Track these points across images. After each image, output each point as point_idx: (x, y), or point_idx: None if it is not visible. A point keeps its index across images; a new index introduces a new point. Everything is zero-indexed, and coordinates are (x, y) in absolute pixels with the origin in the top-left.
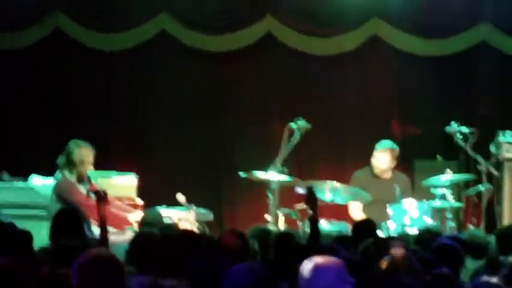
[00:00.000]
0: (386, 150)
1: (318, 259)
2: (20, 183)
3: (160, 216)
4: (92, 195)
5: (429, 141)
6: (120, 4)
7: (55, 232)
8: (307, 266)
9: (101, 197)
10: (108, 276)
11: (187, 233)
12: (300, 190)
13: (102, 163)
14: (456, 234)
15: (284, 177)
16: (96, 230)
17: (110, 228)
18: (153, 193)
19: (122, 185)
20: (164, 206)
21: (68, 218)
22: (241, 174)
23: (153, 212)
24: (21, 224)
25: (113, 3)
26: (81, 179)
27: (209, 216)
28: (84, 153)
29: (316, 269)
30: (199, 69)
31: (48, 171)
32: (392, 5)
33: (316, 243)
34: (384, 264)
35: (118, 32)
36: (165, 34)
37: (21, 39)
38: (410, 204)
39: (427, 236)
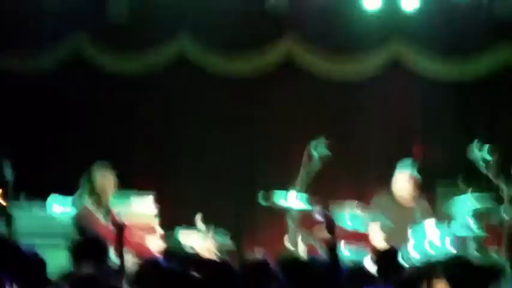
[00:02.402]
0: (409, 177)
1: None
2: (39, 211)
3: (181, 245)
4: (112, 227)
5: (451, 166)
6: (140, 26)
7: (77, 260)
8: None
9: (120, 228)
10: None
11: (212, 263)
12: (319, 216)
13: (122, 183)
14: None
15: (303, 203)
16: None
17: (130, 256)
18: (172, 214)
19: (142, 213)
20: (183, 227)
21: (90, 246)
22: (261, 201)
23: (174, 241)
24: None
25: (133, 26)
26: (102, 207)
27: (228, 241)
28: (106, 182)
29: None
30: (220, 92)
31: (66, 192)
32: (413, 27)
33: (336, 270)
34: None
35: (138, 55)
36: (185, 58)
37: (42, 62)
38: (431, 230)
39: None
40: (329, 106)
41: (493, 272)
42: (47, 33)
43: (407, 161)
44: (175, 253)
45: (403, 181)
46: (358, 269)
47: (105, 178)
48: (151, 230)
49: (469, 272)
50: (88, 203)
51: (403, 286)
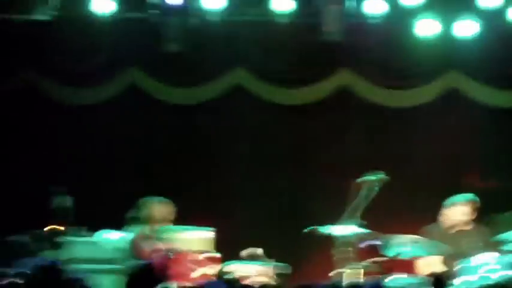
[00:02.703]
0: (467, 201)
1: None
2: (89, 238)
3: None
4: (156, 256)
5: (506, 194)
6: (195, 59)
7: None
8: None
9: (166, 257)
10: None
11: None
12: (366, 244)
13: (180, 218)
14: None
15: (351, 231)
16: None
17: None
18: (231, 247)
19: (199, 239)
20: (245, 260)
21: (144, 274)
22: (305, 230)
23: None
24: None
25: (190, 58)
26: (153, 236)
27: (287, 269)
28: (158, 209)
29: None
30: (275, 122)
31: (119, 226)
32: (469, 56)
33: None
34: None
35: (194, 87)
36: (241, 88)
37: (98, 94)
38: (487, 258)
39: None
40: (385, 136)
41: None
42: (105, 66)
43: (462, 195)
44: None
45: (461, 206)
46: None
47: (156, 205)
48: (207, 259)
49: None
50: (139, 230)
51: None
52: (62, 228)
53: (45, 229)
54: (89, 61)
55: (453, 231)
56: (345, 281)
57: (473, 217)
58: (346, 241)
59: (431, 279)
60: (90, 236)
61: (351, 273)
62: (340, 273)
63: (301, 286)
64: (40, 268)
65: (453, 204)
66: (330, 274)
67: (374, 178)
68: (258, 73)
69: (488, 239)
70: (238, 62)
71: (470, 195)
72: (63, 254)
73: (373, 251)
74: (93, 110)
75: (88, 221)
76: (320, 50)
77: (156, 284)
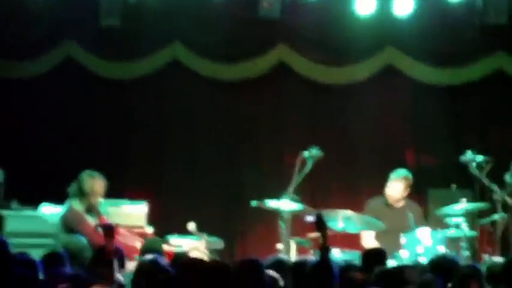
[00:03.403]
0: (400, 179)
1: None
2: (28, 212)
3: (160, 244)
4: (100, 229)
5: (444, 170)
6: (132, 33)
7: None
8: None
9: (109, 230)
10: None
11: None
12: (310, 218)
13: (114, 192)
14: (473, 264)
15: (295, 206)
16: None
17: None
18: (164, 222)
19: (132, 213)
20: (176, 235)
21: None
22: (253, 203)
23: (152, 239)
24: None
25: (126, 32)
26: (91, 209)
27: (220, 244)
28: (96, 184)
29: None
30: (212, 98)
31: (58, 200)
32: (405, 33)
33: (327, 271)
34: None
35: (130, 61)
36: (178, 63)
37: (34, 67)
38: (424, 233)
39: (443, 262)
40: (321, 112)
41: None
42: (42, 40)
43: (401, 169)
44: (153, 251)
45: (396, 183)
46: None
47: (94, 181)
48: (141, 229)
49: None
50: (77, 204)
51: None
52: None
53: None
54: (26, 34)
55: (391, 206)
56: (291, 255)
57: (407, 192)
58: (289, 213)
59: (363, 254)
60: (32, 209)
61: (297, 245)
62: (287, 246)
63: (245, 261)
64: None
65: (390, 179)
66: (276, 248)
67: (308, 154)
68: (195, 48)
69: (421, 215)
70: (176, 37)
71: (404, 171)
72: (4, 228)
73: (317, 221)
74: (29, 83)
75: (26, 200)
76: (258, 26)
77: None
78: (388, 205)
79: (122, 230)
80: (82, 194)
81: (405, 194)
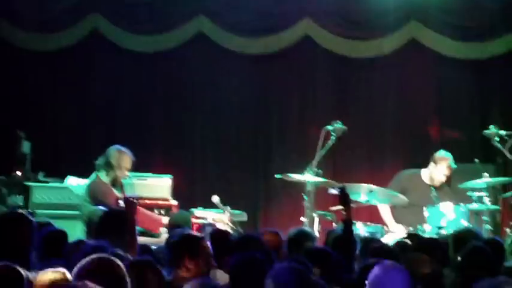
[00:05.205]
0: (445, 160)
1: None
2: (54, 183)
3: (188, 217)
4: (121, 202)
5: (467, 144)
6: (158, 7)
7: (99, 232)
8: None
9: (131, 204)
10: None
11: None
12: (334, 191)
13: (139, 165)
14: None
15: (319, 179)
16: None
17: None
18: (188, 195)
19: (157, 185)
20: (200, 208)
21: (113, 219)
22: (277, 175)
23: (180, 213)
24: (56, 224)
25: (152, 6)
26: (116, 183)
27: (243, 217)
28: (123, 158)
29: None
30: (237, 72)
31: (84, 173)
32: (430, 7)
33: (350, 244)
34: None
35: (157, 34)
36: (203, 36)
37: (62, 40)
38: (446, 207)
39: (466, 236)
40: (346, 86)
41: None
42: (70, 13)
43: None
44: (182, 225)
45: (441, 165)
46: (372, 241)
47: (122, 156)
48: (166, 201)
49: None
50: (103, 176)
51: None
52: (19, 173)
53: (13, 174)
54: (54, 8)
55: (422, 182)
56: (314, 228)
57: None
58: (313, 185)
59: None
60: (59, 181)
61: (320, 218)
62: (311, 219)
63: (269, 232)
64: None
65: (435, 162)
66: (301, 220)
67: (332, 127)
68: (221, 23)
69: (447, 189)
70: (201, 10)
71: (446, 153)
72: (32, 199)
73: (341, 194)
74: (57, 55)
75: (51, 166)
76: (283, 0)
77: (126, 229)
78: (421, 181)
79: (141, 209)
80: (109, 167)
81: (445, 178)
